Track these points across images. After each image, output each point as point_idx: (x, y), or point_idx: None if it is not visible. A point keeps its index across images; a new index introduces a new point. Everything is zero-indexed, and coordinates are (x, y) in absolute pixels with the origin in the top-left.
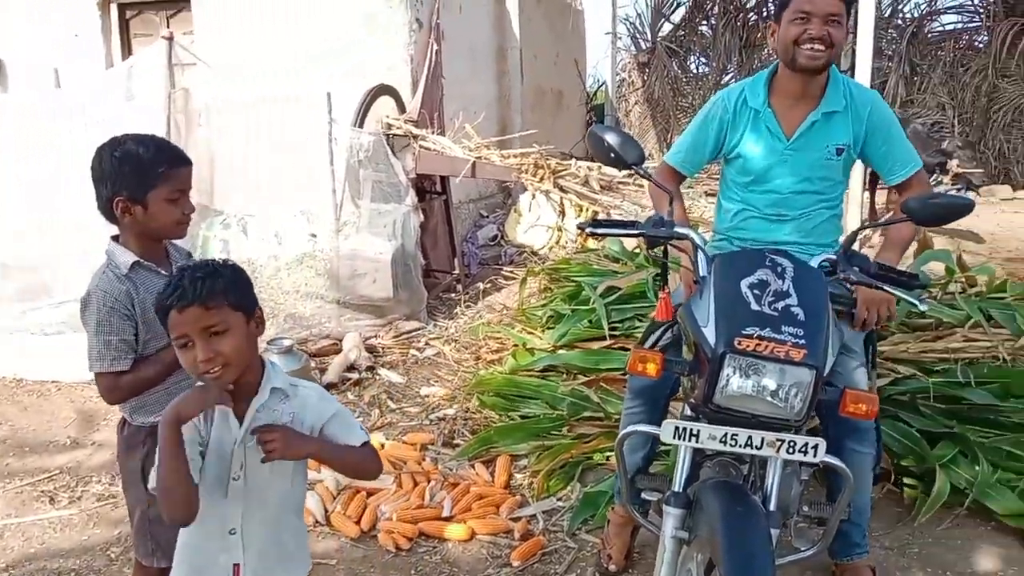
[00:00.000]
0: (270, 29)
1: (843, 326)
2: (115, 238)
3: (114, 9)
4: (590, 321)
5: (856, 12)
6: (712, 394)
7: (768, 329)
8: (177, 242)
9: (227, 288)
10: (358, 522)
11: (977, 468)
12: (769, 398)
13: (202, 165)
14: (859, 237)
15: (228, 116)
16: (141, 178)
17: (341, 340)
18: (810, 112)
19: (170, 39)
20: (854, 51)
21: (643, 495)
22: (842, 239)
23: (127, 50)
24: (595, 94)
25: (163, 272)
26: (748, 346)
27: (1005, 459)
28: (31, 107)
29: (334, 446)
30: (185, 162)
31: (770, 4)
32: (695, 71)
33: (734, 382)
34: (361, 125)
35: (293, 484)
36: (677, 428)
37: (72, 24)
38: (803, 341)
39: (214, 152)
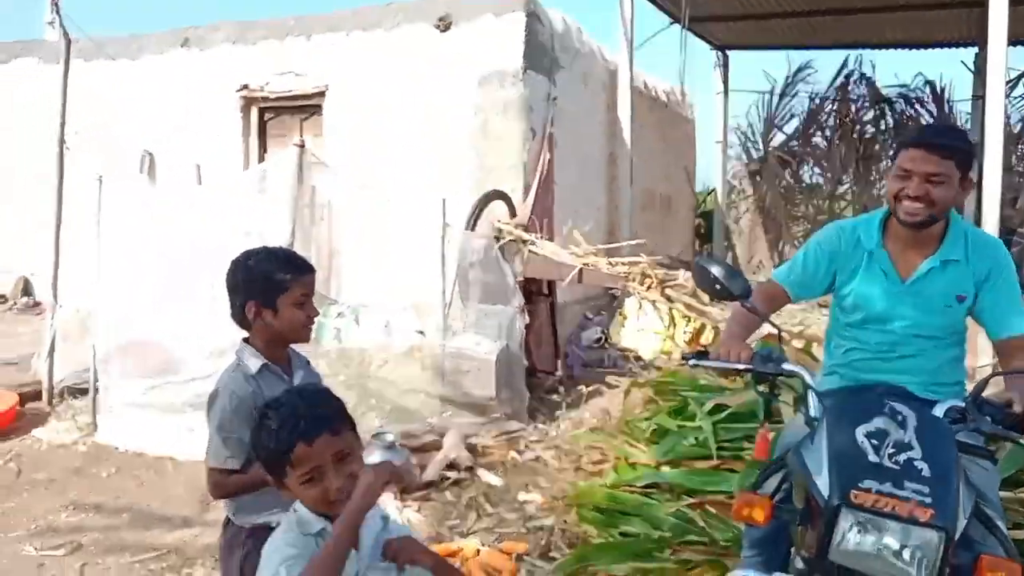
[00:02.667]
0: (392, 135)
1: (979, 470)
2: (246, 340)
3: (254, 112)
4: (696, 439)
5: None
6: (827, 549)
7: (889, 484)
8: (297, 347)
9: (341, 410)
10: None
11: None
12: (892, 559)
13: (322, 256)
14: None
15: (348, 214)
16: (272, 285)
17: (443, 436)
18: (927, 259)
19: (302, 146)
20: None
21: None
22: (970, 385)
23: (263, 147)
24: (704, 200)
25: (286, 377)
26: (865, 501)
27: None
28: (175, 202)
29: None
30: (310, 269)
31: (888, 116)
32: (808, 181)
33: (851, 538)
34: (473, 228)
35: None
36: None
37: (216, 124)
38: (929, 500)
39: (333, 245)
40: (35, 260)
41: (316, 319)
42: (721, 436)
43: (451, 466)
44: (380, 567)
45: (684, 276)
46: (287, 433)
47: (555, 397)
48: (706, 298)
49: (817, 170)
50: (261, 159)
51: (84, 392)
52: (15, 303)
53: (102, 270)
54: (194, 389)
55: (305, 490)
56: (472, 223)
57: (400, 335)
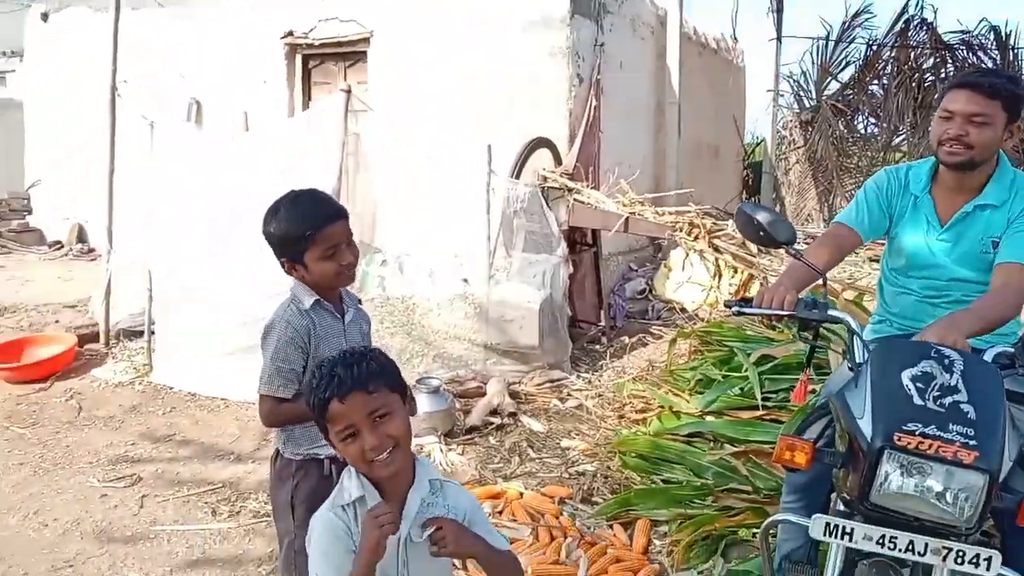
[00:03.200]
0: (437, 81)
1: None
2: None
3: (299, 59)
4: (741, 389)
5: None
6: (868, 491)
7: (933, 427)
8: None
9: (382, 370)
10: None
11: None
12: (935, 501)
13: (366, 205)
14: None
15: (394, 162)
16: (296, 244)
17: (486, 383)
18: (966, 203)
19: (348, 92)
20: None
21: None
22: (1021, 331)
23: (307, 95)
24: (753, 151)
25: (338, 315)
26: (909, 443)
27: None
28: (222, 148)
29: (494, 548)
30: (335, 219)
31: (949, 64)
32: (863, 131)
33: (894, 480)
34: (518, 176)
35: (449, 569)
36: (828, 524)
37: (261, 71)
38: (974, 442)
39: (378, 194)
40: (89, 207)
41: (360, 263)
42: (766, 387)
43: (494, 412)
44: (421, 543)
45: (732, 227)
46: (323, 391)
47: (598, 347)
48: (755, 249)
49: (872, 120)
50: (305, 107)
51: (139, 334)
52: (70, 249)
53: (154, 216)
54: (245, 332)
55: (344, 447)
56: (517, 171)
57: (444, 284)
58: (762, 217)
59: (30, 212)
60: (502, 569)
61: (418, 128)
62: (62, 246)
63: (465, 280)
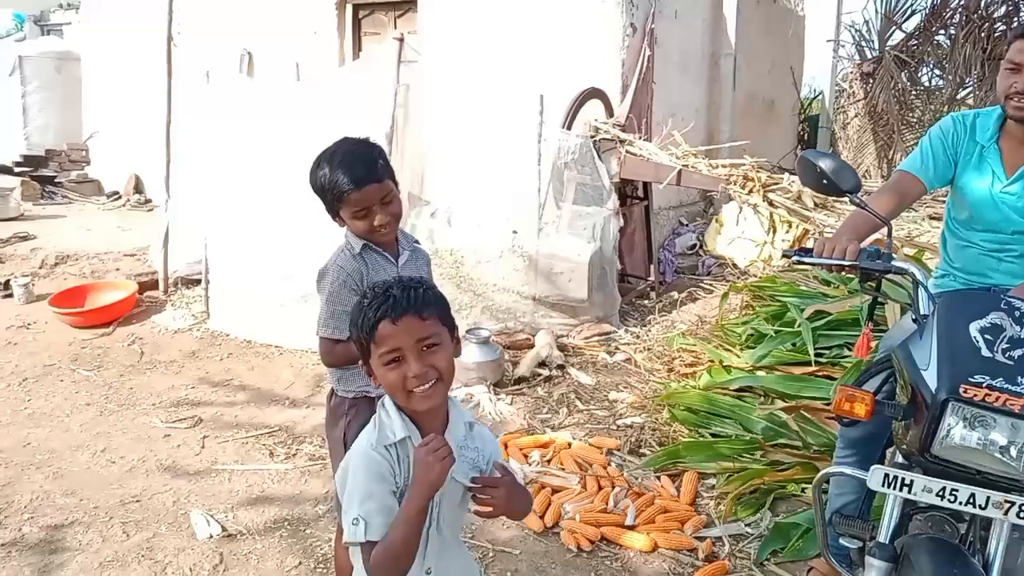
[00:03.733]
0: (488, 33)
1: None
2: None
3: (349, 9)
4: (794, 344)
5: None
6: (930, 443)
7: (1001, 379)
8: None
9: (436, 301)
10: (542, 516)
11: None
12: (998, 454)
13: (415, 157)
14: None
15: (443, 113)
16: (332, 200)
17: (534, 335)
18: None
19: (401, 40)
20: None
21: (841, 541)
22: None
23: (357, 45)
24: (810, 104)
25: (391, 258)
26: (975, 395)
27: None
28: (275, 98)
29: (526, 495)
30: (365, 183)
31: (1022, 13)
32: (927, 84)
33: (956, 433)
34: (569, 127)
35: (465, 511)
36: (887, 475)
37: (312, 22)
38: None
39: (427, 146)
40: (145, 158)
41: (408, 215)
42: (820, 343)
43: (542, 364)
44: (453, 484)
45: (788, 180)
46: (374, 310)
47: (646, 303)
48: (811, 203)
49: (937, 72)
50: (355, 57)
51: (196, 283)
52: (128, 199)
53: (209, 166)
54: (298, 281)
55: (386, 372)
56: (569, 122)
57: (493, 236)
58: (826, 164)
59: (89, 163)
60: (523, 508)
61: (468, 79)
62: (120, 196)
63: (515, 232)
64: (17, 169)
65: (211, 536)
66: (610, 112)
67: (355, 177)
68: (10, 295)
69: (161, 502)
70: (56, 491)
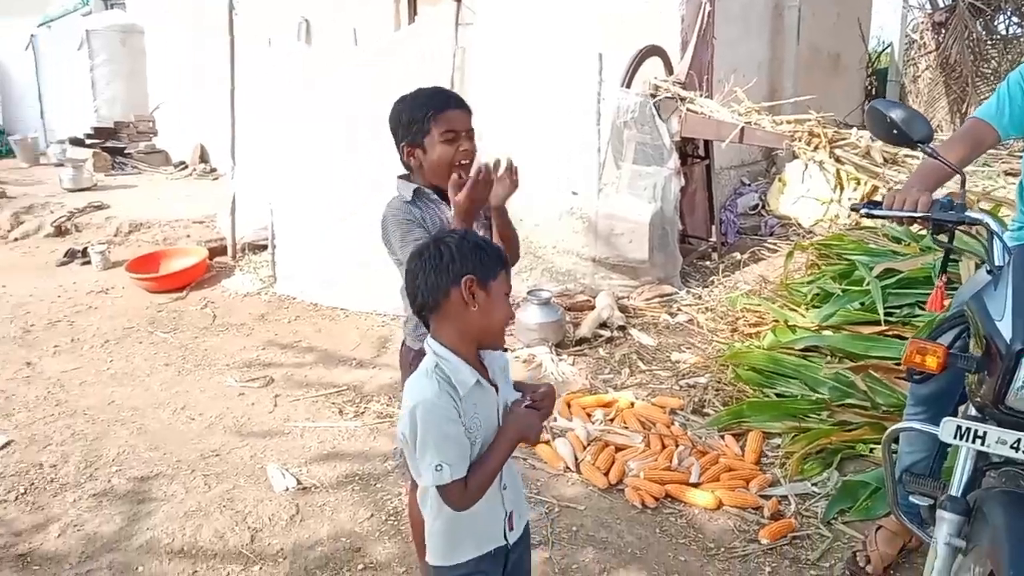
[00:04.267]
0: None
1: None
2: (400, 177)
3: None
4: (862, 303)
5: None
6: (1004, 395)
7: None
8: None
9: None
10: (606, 474)
11: None
12: None
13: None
14: None
15: (500, 74)
16: (416, 125)
17: (594, 297)
18: None
19: (459, 2)
20: None
21: (911, 499)
22: None
23: (413, 10)
24: (878, 57)
25: (446, 202)
26: None
27: None
28: (333, 64)
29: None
30: (455, 105)
31: None
32: (1004, 32)
33: None
34: (629, 86)
35: None
36: (959, 427)
37: None
38: None
39: (483, 108)
40: (210, 128)
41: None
42: (889, 302)
43: (603, 325)
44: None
45: (856, 135)
46: (445, 96)
47: (707, 264)
48: (880, 158)
49: (1015, 19)
50: (410, 21)
51: (263, 248)
52: (194, 169)
53: (272, 133)
54: (361, 246)
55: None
56: (628, 80)
57: (551, 198)
58: (896, 114)
59: (156, 134)
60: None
61: (525, 39)
62: (186, 166)
63: (574, 193)
64: (88, 141)
65: (287, 489)
66: (670, 70)
67: (449, 97)
68: (88, 262)
69: (239, 456)
70: (140, 445)
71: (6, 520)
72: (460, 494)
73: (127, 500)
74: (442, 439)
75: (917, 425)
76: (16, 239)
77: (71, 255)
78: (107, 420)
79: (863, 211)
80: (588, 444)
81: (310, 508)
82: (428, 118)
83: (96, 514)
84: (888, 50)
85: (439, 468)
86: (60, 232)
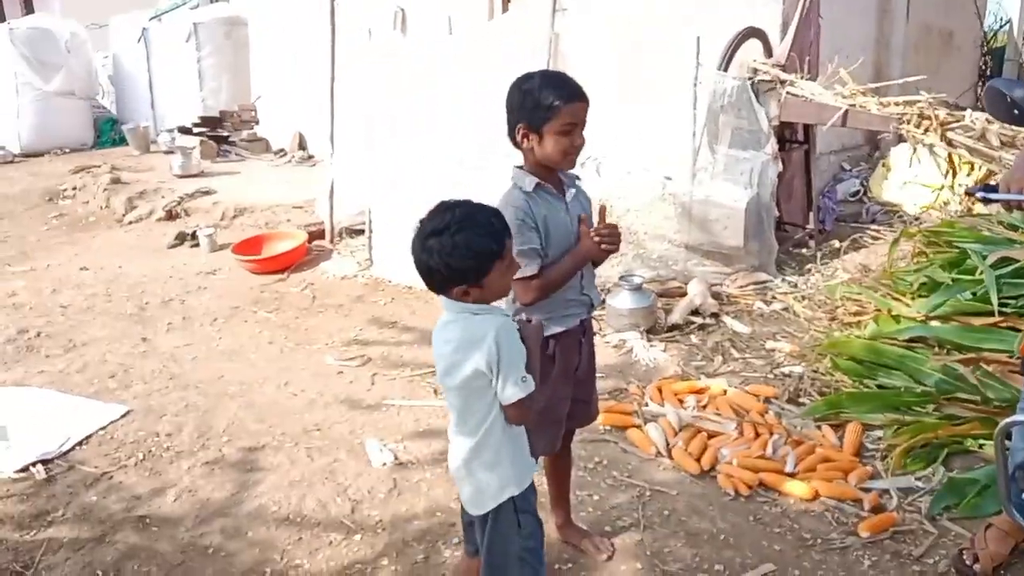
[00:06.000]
0: None
1: None
2: (518, 167)
3: None
4: (974, 294)
5: None
6: None
7: None
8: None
9: None
10: (698, 460)
11: None
12: None
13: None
14: None
15: (596, 59)
16: (539, 111)
17: (686, 284)
18: None
19: None
20: None
21: None
22: None
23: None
24: (994, 35)
25: (560, 195)
26: None
27: None
28: (429, 53)
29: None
30: (580, 98)
31: None
32: None
33: None
34: (726, 69)
35: None
36: None
37: None
38: None
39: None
40: (308, 116)
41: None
42: (1004, 292)
43: (695, 312)
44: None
45: (971, 117)
46: (574, 88)
47: (804, 252)
48: (996, 141)
49: None
50: (505, 10)
51: (360, 232)
52: (293, 156)
53: (369, 121)
54: None
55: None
56: (725, 63)
57: (644, 183)
58: (1018, 93)
59: (257, 122)
60: None
61: (621, 23)
62: (286, 153)
63: (668, 178)
64: (196, 130)
65: (385, 464)
66: (769, 52)
67: (572, 90)
68: (197, 244)
69: (339, 431)
70: (248, 418)
71: (127, 484)
72: (529, 406)
73: (237, 469)
74: (519, 354)
75: None
76: (130, 223)
77: (181, 238)
78: (217, 393)
79: (979, 195)
80: (680, 430)
81: (407, 483)
82: (555, 107)
83: (208, 481)
84: (1006, 28)
85: (524, 380)
86: (171, 216)
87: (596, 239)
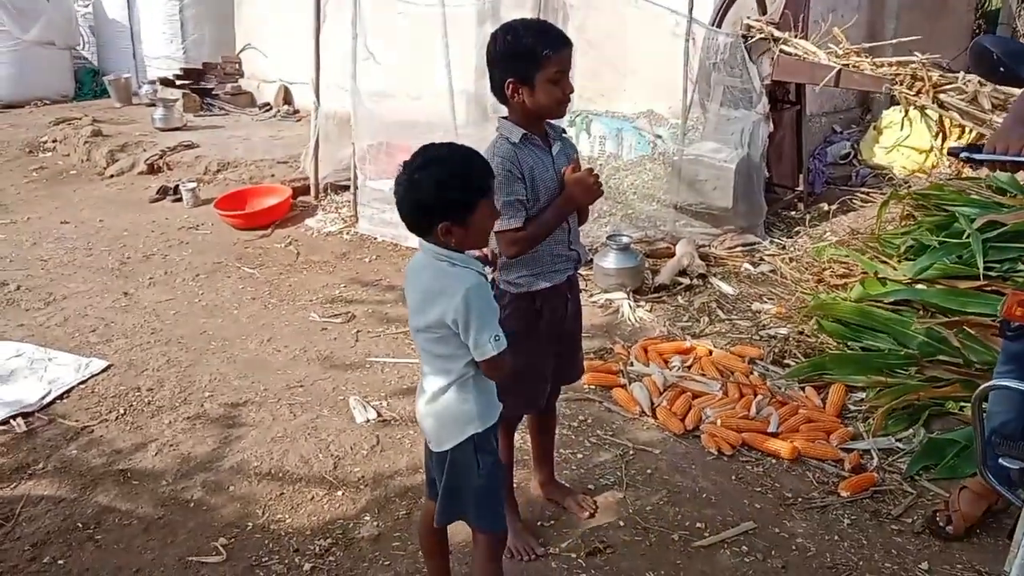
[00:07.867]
0: None
1: None
2: (504, 117)
3: None
4: (959, 257)
5: None
6: None
7: None
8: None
9: None
10: (683, 419)
11: None
12: None
13: None
14: None
15: (586, 14)
16: (528, 61)
17: (675, 244)
18: None
19: None
20: None
21: (1001, 461)
22: None
23: None
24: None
25: (546, 147)
26: None
27: None
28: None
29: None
30: (566, 43)
31: None
32: None
33: None
34: (719, 26)
35: None
36: None
37: None
38: None
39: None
40: (293, 69)
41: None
42: (990, 256)
43: (683, 273)
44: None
45: (963, 79)
46: (562, 36)
47: (793, 214)
48: (988, 104)
49: None
50: None
51: (345, 188)
52: (278, 110)
53: (356, 73)
54: None
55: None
56: (719, 19)
57: (633, 142)
58: (1001, 49)
59: (242, 75)
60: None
61: None
62: (270, 107)
63: (658, 137)
64: (178, 82)
65: (368, 420)
66: (763, 9)
67: (562, 36)
68: (179, 199)
69: (322, 388)
70: (231, 374)
71: (107, 439)
72: (507, 361)
73: (218, 424)
74: (491, 312)
75: (1009, 383)
76: (112, 176)
77: (163, 192)
78: (199, 349)
79: (962, 155)
80: (664, 390)
81: (390, 440)
82: (543, 55)
83: (190, 436)
84: None
85: (496, 339)
86: (153, 170)
87: (578, 176)
